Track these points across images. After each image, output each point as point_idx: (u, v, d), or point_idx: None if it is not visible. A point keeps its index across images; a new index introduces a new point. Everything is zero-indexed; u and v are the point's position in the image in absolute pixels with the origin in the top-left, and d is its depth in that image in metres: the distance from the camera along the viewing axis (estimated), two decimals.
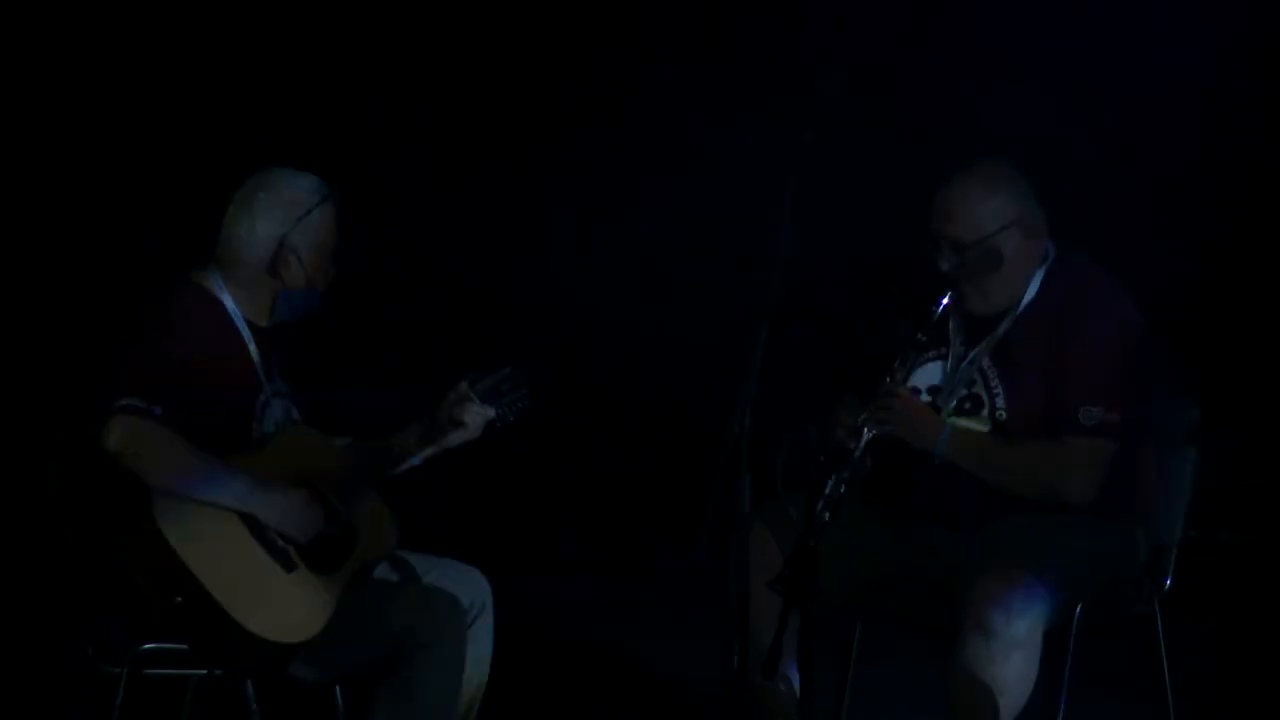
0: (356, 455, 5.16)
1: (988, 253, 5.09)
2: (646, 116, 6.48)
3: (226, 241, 5.12)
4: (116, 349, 4.98)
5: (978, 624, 4.82)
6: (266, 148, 5.69)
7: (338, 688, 5.15)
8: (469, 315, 6.54)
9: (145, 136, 6.36)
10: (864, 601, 5.20)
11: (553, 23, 6.53)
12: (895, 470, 5.12)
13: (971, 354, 5.17)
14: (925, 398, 5.15)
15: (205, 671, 4.99)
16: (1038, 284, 5.15)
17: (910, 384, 5.13)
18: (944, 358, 5.20)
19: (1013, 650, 4.82)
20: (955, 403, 5.13)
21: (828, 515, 4.84)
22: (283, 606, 4.91)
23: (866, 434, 5.02)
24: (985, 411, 5.10)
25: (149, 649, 4.91)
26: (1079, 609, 4.99)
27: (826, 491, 4.88)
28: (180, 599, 4.82)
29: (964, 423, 5.10)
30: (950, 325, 5.19)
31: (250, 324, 5.12)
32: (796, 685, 4.98)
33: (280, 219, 5.10)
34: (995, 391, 5.10)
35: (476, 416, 5.25)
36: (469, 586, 5.17)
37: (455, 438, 5.26)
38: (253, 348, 5.11)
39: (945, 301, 5.11)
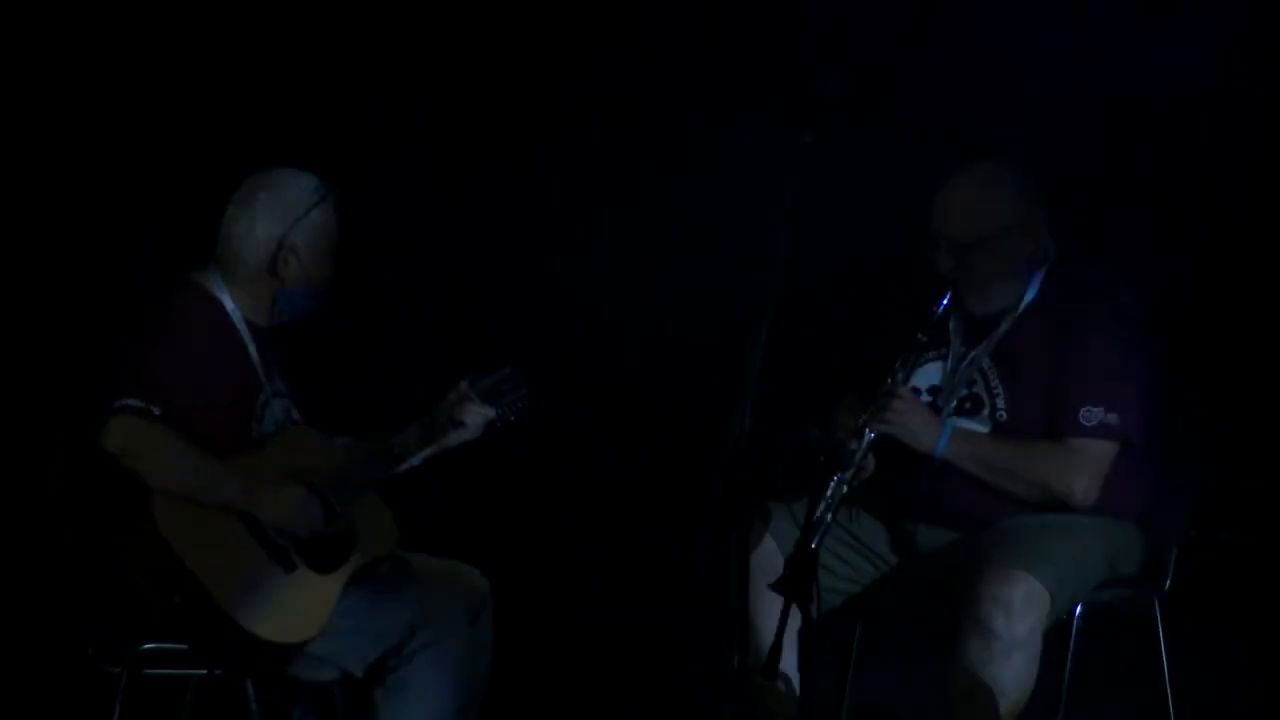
0: (356, 455, 5.16)
1: (988, 253, 5.09)
2: (646, 116, 6.47)
3: (226, 241, 5.13)
4: (116, 349, 4.99)
5: (978, 624, 4.82)
6: (266, 148, 5.69)
7: (337, 688, 5.15)
8: (469, 315, 6.54)
9: (145, 136, 6.36)
10: (864, 601, 5.20)
11: (552, 22, 6.53)
12: (896, 471, 5.12)
13: (972, 354, 5.17)
14: (925, 398, 5.15)
15: (205, 671, 4.99)
16: (1038, 284, 5.15)
17: (911, 384, 5.13)
18: (944, 358, 5.20)
19: (1013, 650, 4.82)
20: (955, 403, 5.13)
21: (829, 516, 4.84)
22: (282, 606, 4.91)
23: (867, 435, 5.02)
24: (985, 412, 5.10)
25: (149, 649, 4.92)
26: (1079, 609, 4.99)
27: (827, 492, 4.88)
28: (180, 599, 4.82)
29: (964, 423, 5.10)
30: (950, 325, 5.20)
31: (250, 324, 5.12)
32: (796, 685, 4.98)
33: (280, 219, 5.11)
34: (995, 392, 5.10)
35: (476, 416, 5.26)
36: (469, 586, 5.18)
37: (455, 438, 5.26)
38: (252, 348, 5.11)
39: (945, 301, 5.11)
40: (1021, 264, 5.14)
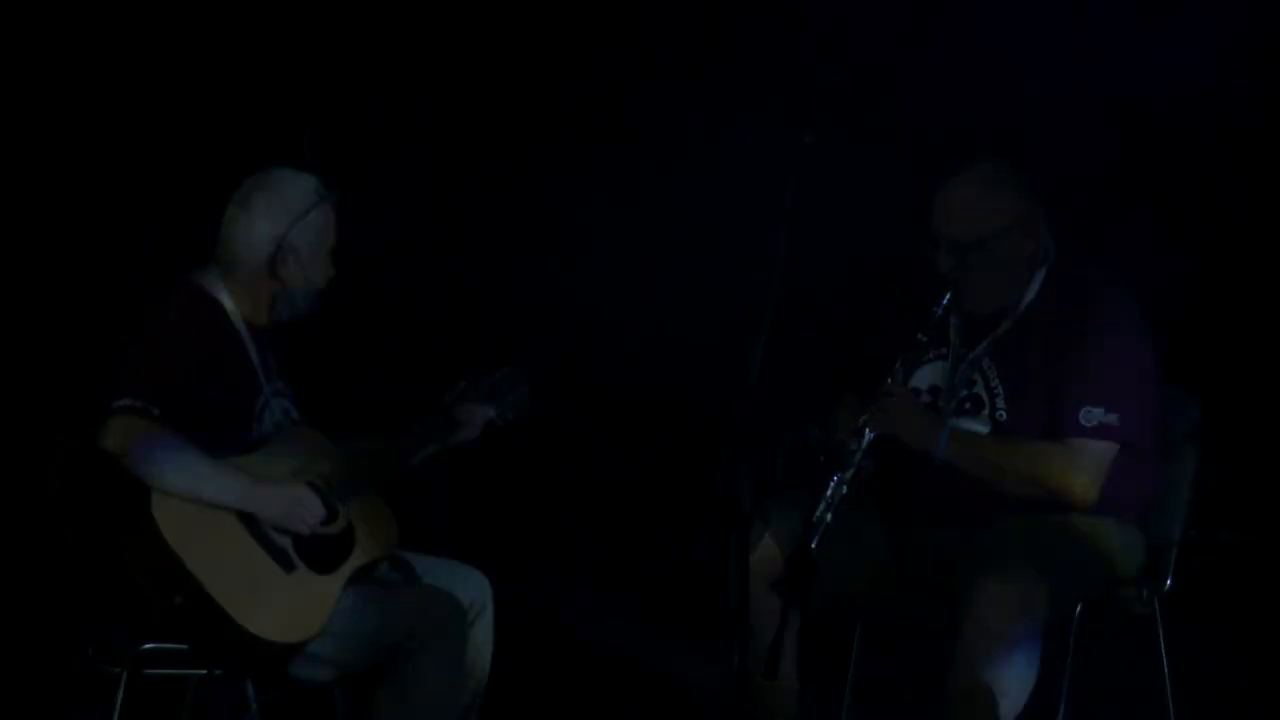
0: (356, 455, 5.16)
1: (988, 253, 5.09)
2: (646, 116, 6.47)
3: (226, 242, 5.13)
4: (116, 349, 4.99)
5: (978, 624, 4.82)
6: (266, 148, 5.69)
7: (338, 688, 5.15)
8: (469, 315, 6.54)
9: (145, 137, 6.36)
10: (864, 601, 5.20)
11: (552, 22, 6.53)
12: (896, 471, 5.12)
13: (972, 354, 5.17)
14: (926, 398, 5.15)
15: (205, 671, 4.99)
16: (1038, 284, 5.15)
17: (911, 384, 5.13)
18: (944, 358, 5.20)
19: (1013, 650, 4.82)
20: (955, 403, 5.13)
21: (829, 516, 4.84)
22: (282, 607, 4.91)
23: (867, 435, 5.02)
24: (985, 412, 5.10)
25: (149, 649, 4.91)
26: (1079, 609, 4.99)
27: (827, 492, 4.88)
28: (180, 599, 4.82)
29: (964, 423, 5.10)
30: (950, 325, 5.20)
31: (250, 324, 5.12)
32: (796, 685, 4.98)
33: (279, 219, 5.11)
34: (995, 392, 5.10)
35: (476, 416, 5.26)
36: (469, 586, 5.18)
37: (455, 437, 5.27)
38: (252, 348, 5.11)
39: (945, 301, 5.11)
40: (1021, 264, 5.14)
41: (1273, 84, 6.03)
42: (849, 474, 4.95)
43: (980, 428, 5.10)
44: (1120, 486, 5.04)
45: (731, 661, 4.43)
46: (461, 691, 5.09)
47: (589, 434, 6.54)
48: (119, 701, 4.92)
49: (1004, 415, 5.08)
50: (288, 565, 4.96)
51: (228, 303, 5.10)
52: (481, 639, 5.16)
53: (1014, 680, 4.83)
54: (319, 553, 5.01)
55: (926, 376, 5.18)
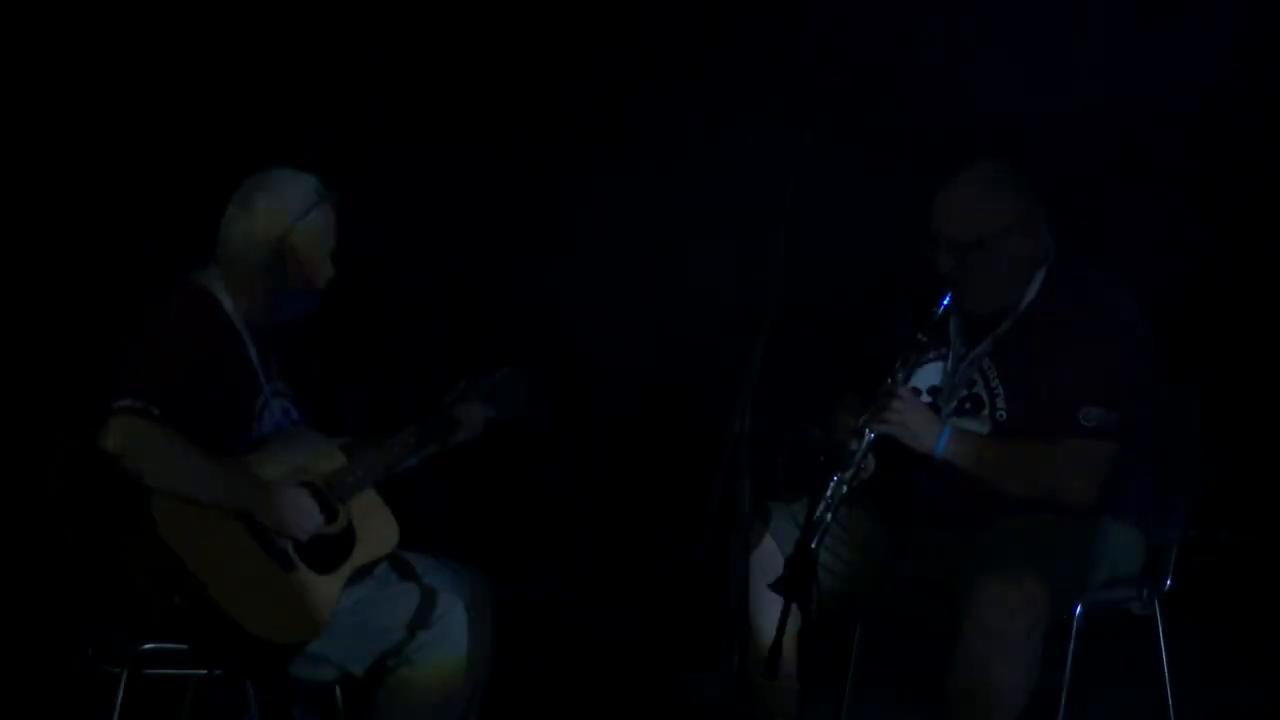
0: (356, 455, 5.16)
1: (988, 253, 5.09)
2: (647, 116, 6.47)
3: (226, 241, 5.12)
4: (116, 349, 4.99)
5: (978, 624, 4.82)
6: (266, 148, 5.69)
7: (338, 688, 5.15)
8: (469, 315, 6.54)
9: (145, 136, 6.36)
10: (864, 601, 5.20)
11: (553, 22, 6.53)
12: (896, 471, 5.12)
13: (972, 354, 5.17)
14: (926, 398, 5.15)
15: (205, 671, 4.99)
16: (1038, 284, 5.15)
17: (911, 384, 5.13)
18: (944, 358, 5.20)
19: (1013, 650, 4.81)
20: (955, 403, 5.13)
21: (829, 516, 4.84)
22: (282, 607, 4.91)
23: (867, 435, 5.01)
24: (986, 412, 5.10)
25: (149, 649, 4.91)
26: (1079, 609, 4.99)
27: (827, 492, 4.88)
28: (180, 599, 4.82)
29: (964, 423, 5.09)
30: (950, 326, 5.19)
31: (250, 324, 5.12)
32: (796, 685, 4.98)
33: (279, 219, 5.10)
34: (996, 392, 5.10)
35: (476, 416, 5.26)
36: (469, 586, 5.17)
37: (455, 438, 5.27)
38: (252, 348, 5.11)
39: (945, 302, 5.11)
40: (1021, 264, 5.13)
41: (1273, 83, 6.04)
42: (849, 474, 4.94)
43: (980, 428, 5.09)
44: (1120, 486, 5.04)
45: (731, 661, 4.43)
46: (461, 691, 5.08)
47: (589, 434, 6.55)
48: (119, 701, 4.92)
49: (1004, 415, 5.08)
50: (288, 565, 4.96)
51: (228, 303, 5.10)
52: (481, 639, 5.16)
53: (1014, 680, 4.83)
54: (319, 553, 5.01)
55: (926, 376, 5.18)
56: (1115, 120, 6.11)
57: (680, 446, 6.23)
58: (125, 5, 6.38)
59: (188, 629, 4.88)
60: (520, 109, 6.57)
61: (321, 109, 6.47)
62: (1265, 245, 6.10)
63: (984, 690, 4.81)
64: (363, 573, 5.08)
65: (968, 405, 5.12)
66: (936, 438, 5.04)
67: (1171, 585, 5.14)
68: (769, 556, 4.92)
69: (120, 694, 4.92)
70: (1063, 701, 4.99)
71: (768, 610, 4.64)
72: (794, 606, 4.59)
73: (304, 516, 4.98)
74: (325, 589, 4.98)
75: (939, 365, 5.19)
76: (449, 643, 5.04)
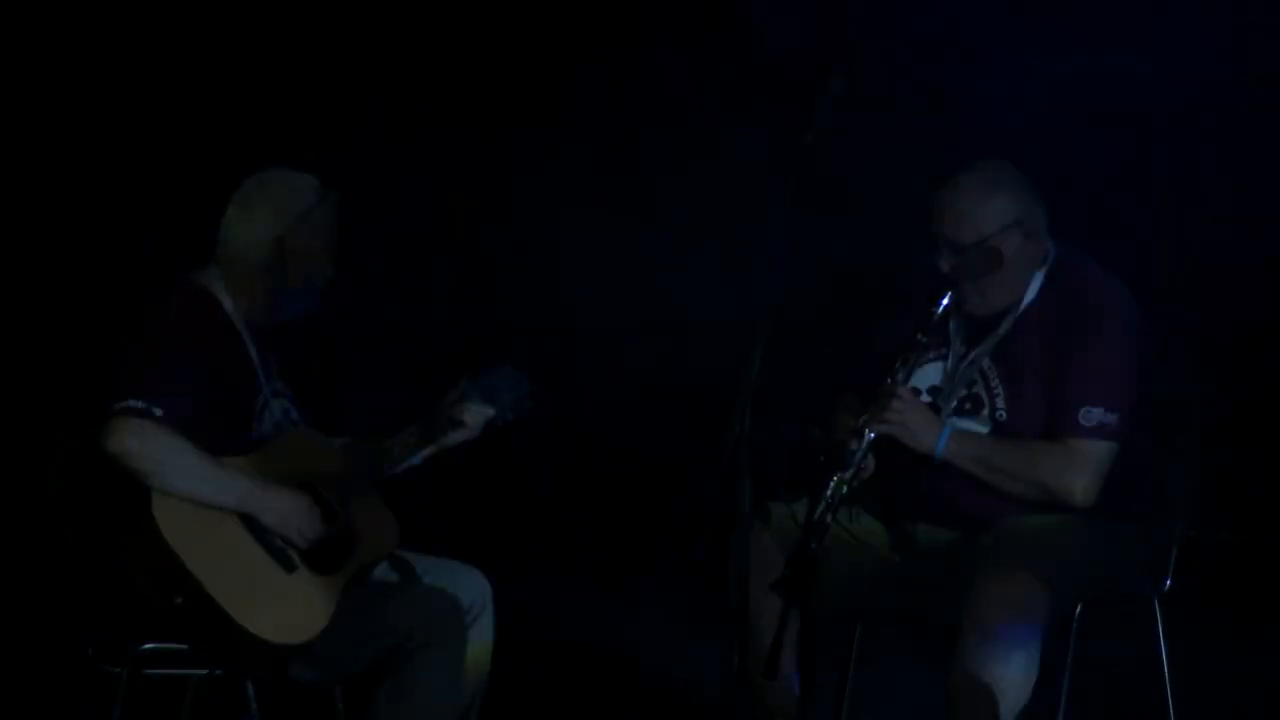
0: (356, 455, 5.16)
1: (988, 253, 5.08)
2: (648, 117, 6.47)
3: (225, 241, 5.12)
4: (117, 350, 4.99)
5: (978, 624, 4.82)
6: (266, 148, 5.69)
7: (338, 688, 5.15)
8: (469, 316, 6.54)
9: (145, 136, 6.36)
10: (864, 601, 5.20)
11: (552, 22, 6.54)
12: (896, 471, 5.12)
13: (972, 355, 5.17)
14: (926, 398, 5.15)
15: (205, 671, 4.99)
16: (1038, 284, 5.15)
17: (911, 384, 5.13)
18: (944, 358, 5.20)
19: (1013, 650, 4.82)
20: (955, 403, 5.13)
21: (829, 516, 4.84)
22: (283, 607, 4.91)
23: (867, 435, 5.01)
24: (985, 412, 5.10)
25: (149, 649, 4.91)
26: (1079, 609, 4.99)
27: (827, 492, 4.88)
28: (180, 599, 4.82)
29: (964, 423, 5.09)
30: (950, 326, 5.19)
31: (250, 324, 5.12)
32: (796, 685, 4.98)
33: (279, 219, 5.10)
34: (995, 392, 5.10)
35: (476, 416, 5.26)
36: (469, 586, 5.17)
37: (455, 438, 5.27)
38: (252, 348, 5.11)
39: (945, 302, 5.11)
40: (1021, 264, 5.13)
41: (1272, 84, 6.04)
42: (849, 474, 4.94)
43: (980, 428, 5.09)
44: (1120, 486, 5.04)
45: (731, 661, 4.43)
46: (461, 691, 5.08)
47: (589, 434, 6.55)
48: (119, 701, 4.92)
49: (1004, 415, 5.08)
50: (288, 566, 4.96)
51: (228, 303, 5.10)
52: (481, 639, 5.16)
53: (1014, 680, 4.83)
54: (319, 553, 5.01)
55: (926, 376, 5.18)
56: (1116, 119, 6.11)
57: (680, 446, 6.22)
58: (124, 5, 6.38)
59: (188, 629, 4.88)
60: (520, 109, 6.56)
61: (321, 109, 6.46)
62: (1267, 244, 6.09)
63: (984, 690, 4.81)
64: (363, 573, 5.08)
65: (968, 405, 5.12)
66: (936, 438, 5.04)
67: (1171, 585, 5.14)
68: (769, 556, 4.91)
69: (120, 694, 4.91)
70: (1063, 702, 4.99)
71: (768, 610, 4.64)
72: (794, 606, 4.59)
73: (305, 523, 4.98)
74: (325, 589, 4.98)
75: (939, 365, 5.19)
76: (449, 643, 5.04)
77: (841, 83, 4.50)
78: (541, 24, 6.56)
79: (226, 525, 4.92)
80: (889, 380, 5.06)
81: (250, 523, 4.94)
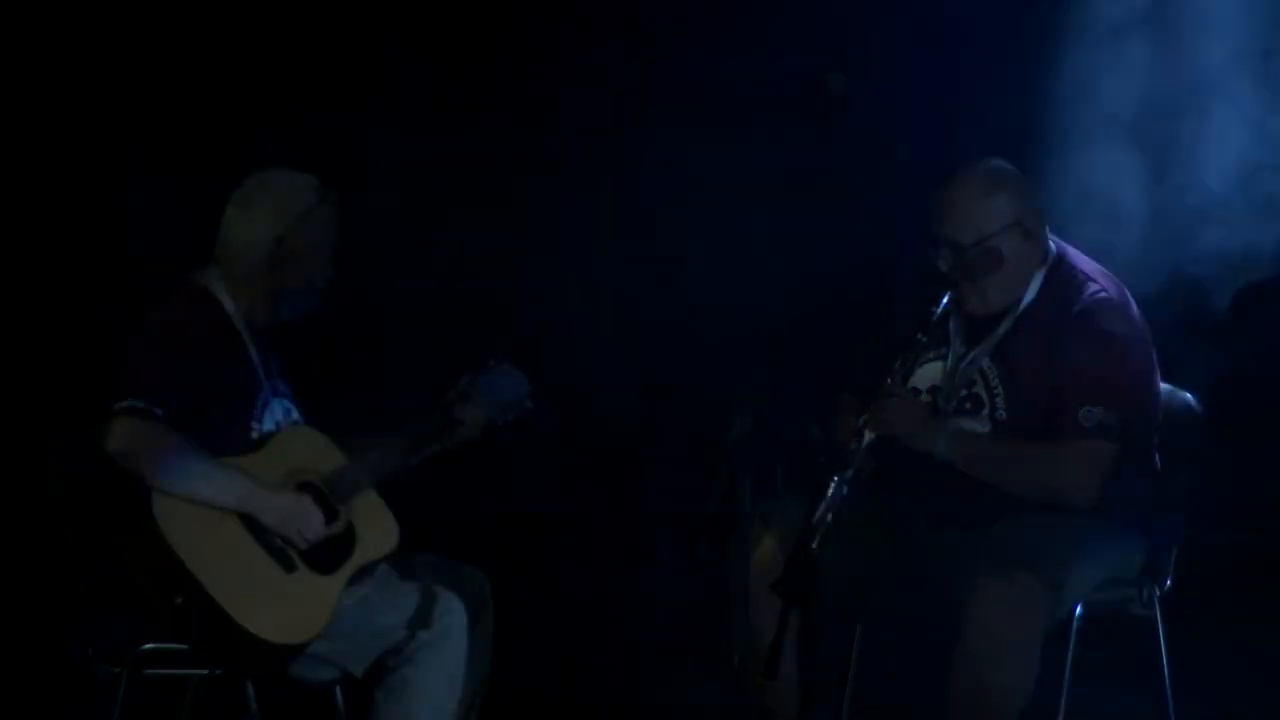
0: (356, 455, 5.16)
1: (987, 253, 5.08)
2: (650, 117, 6.47)
3: (225, 241, 5.12)
4: (117, 350, 4.99)
5: (978, 624, 4.82)
6: (266, 148, 5.69)
7: (338, 688, 5.15)
8: (468, 315, 6.54)
9: (145, 137, 6.36)
10: (864, 602, 5.20)
11: (552, 23, 6.54)
12: (896, 471, 5.12)
13: (972, 354, 5.16)
14: (926, 398, 5.15)
15: (205, 671, 4.99)
16: (1038, 284, 5.15)
17: (910, 385, 5.12)
18: (944, 358, 5.19)
19: (1013, 650, 4.82)
20: (955, 403, 5.13)
21: (829, 517, 4.84)
22: (283, 607, 4.91)
23: (867, 435, 5.01)
24: (985, 412, 5.10)
25: (149, 649, 4.91)
26: (1079, 609, 4.99)
27: (827, 493, 4.88)
28: (180, 599, 4.82)
29: (964, 423, 5.09)
30: (950, 326, 5.19)
31: (250, 324, 5.12)
32: (796, 685, 4.97)
33: (278, 219, 5.10)
34: (995, 392, 5.10)
35: (476, 416, 5.26)
36: (469, 586, 5.17)
37: (455, 437, 5.26)
38: (252, 348, 5.11)
39: (945, 301, 5.11)
40: (1021, 264, 5.13)
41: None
42: (849, 474, 4.94)
43: (980, 428, 5.09)
44: (1120, 486, 5.03)
45: (731, 661, 4.43)
46: (462, 691, 5.08)
47: (589, 434, 6.54)
48: (119, 701, 4.92)
49: (1004, 415, 5.08)
50: (288, 565, 4.96)
51: (228, 302, 5.10)
52: (481, 639, 5.16)
53: (1014, 680, 4.83)
54: (319, 553, 5.00)
55: (926, 376, 5.18)
56: (1116, 119, 6.11)
57: (680, 446, 6.22)
58: (124, 5, 6.38)
59: (188, 629, 4.87)
60: (520, 108, 6.56)
61: (321, 109, 6.46)
62: (1264, 242, 6.09)
63: (984, 690, 4.81)
64: (363, 573, 5.07)
65: (968, 405, 5.12)
66: (936, 438, 5.04)
67: (1171, 585, 5.14)
68: (769, 556, 4.91)
69: (120, 694, 4.91)
70: (1063, 702, 4.99)
71: (768, 610, 4.64)
72: (794, 606, 4.59)
73: (305, 524, 4.98)
74: (326, 589, 4.98)
75: (939, 365, 5.19)
76: (449, 643, 5.03)
77: (842, 83, 4.50)
78: (541, 23, 6.56)
79: (227, 525, 4.91)
80: (889, 380, 5.06)
81: (250, 523, 4.94)
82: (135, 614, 4.89)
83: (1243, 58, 6.01)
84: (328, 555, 5.01)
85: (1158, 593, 5.13)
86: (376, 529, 5.12)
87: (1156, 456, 5.15)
